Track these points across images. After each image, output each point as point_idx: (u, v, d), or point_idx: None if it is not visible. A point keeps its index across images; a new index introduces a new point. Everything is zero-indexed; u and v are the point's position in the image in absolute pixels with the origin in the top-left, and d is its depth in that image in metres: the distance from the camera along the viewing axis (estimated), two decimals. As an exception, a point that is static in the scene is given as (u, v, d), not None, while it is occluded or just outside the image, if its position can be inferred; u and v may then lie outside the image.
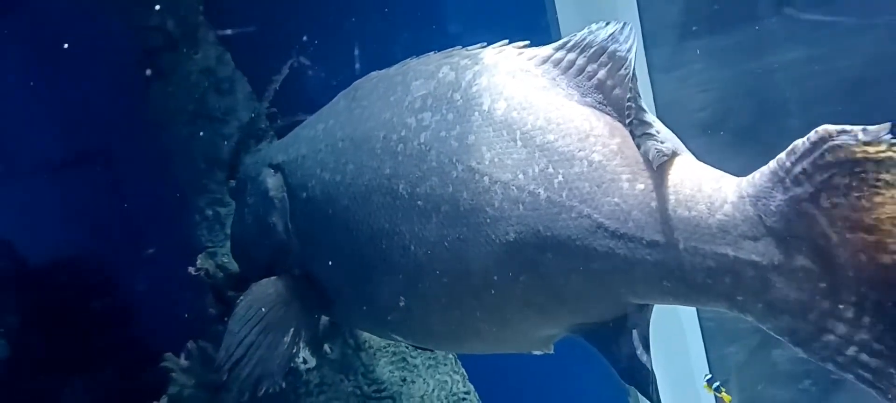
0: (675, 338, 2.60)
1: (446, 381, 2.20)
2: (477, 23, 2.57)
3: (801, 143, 1.04)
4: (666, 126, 1.25)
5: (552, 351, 1.41)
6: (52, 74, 2.48)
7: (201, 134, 2.42)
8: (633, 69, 1.19)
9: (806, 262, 1.06)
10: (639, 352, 1.28)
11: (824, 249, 1.04)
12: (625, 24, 1.21)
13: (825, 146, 1.01)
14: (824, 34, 2.62)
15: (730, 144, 2.74)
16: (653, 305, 1.28)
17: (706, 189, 1.13)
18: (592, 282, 1.22)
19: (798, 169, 1.04)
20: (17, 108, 2.46)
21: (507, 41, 1.35)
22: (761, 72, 2.72)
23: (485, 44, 1.37)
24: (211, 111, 2.42)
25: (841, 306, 1.05)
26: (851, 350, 1.05)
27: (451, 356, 2.27)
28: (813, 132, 1.03)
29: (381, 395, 2.11)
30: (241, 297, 1.62)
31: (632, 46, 1.20)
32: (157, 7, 2.38)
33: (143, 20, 2.39)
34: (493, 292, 1.29)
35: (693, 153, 1.23)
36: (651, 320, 1.33)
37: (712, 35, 2.72)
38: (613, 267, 1.18)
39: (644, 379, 1.28)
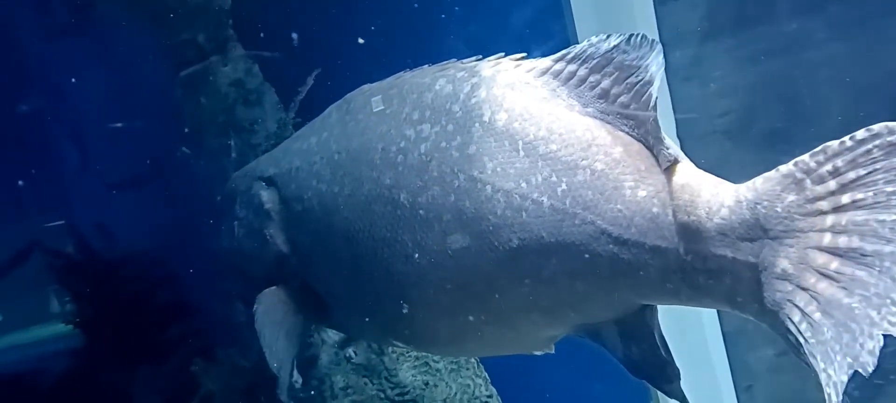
0: (697, 344, 2.61)
1: (469, 385, 2.24)
2: (494, 34, 2.60)
3: (835, 144, 1.08)
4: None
5: (553, 351, 1.44)
6: (99, 89, 2.58)
7: (231, 143, 2.49)
8: (652, 75, 1.23)
9: (787, 265, 1.10)
10: (650, 349, 1.33)
11: (807, 253, 1.08)
12: (633, 34, 1.25)
13: (877, 141, 1.05)
14: (863, 26, 2.60)
15: (755, 150, 2.73)
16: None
17: (705, 194, 1.18)
18: (597, 286, 1.26)
19: (827, 167, 1.07)
20: (80, 118, 2.56)
21: (503, 54, 1.38)
22: (791, 73, 2.70)
23: (480, 57, 1.40)
24: (239, 121, 2.49)
25: (795, 309, 1.09)
26: (803, 351, 1.08)
27: (473, 360, 2.30)
28: (862, 131, 1.06)
29: (404, 399, 2.15)
30: (255, 309, 1.62)
31: (645, 54, 1.23)
32: (189, 21, 2.46)
33: (176, 34, 2.48)
34: (497, 297, 1.33)
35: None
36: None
37: (734, 38, 2.71)
38: (618, 271, 1.23)
39: (656, 374, 1.33)
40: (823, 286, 1.07)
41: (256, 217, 1.68)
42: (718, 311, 2.58)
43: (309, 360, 2.11)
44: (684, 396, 1.34)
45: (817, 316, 1.06)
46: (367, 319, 1.57)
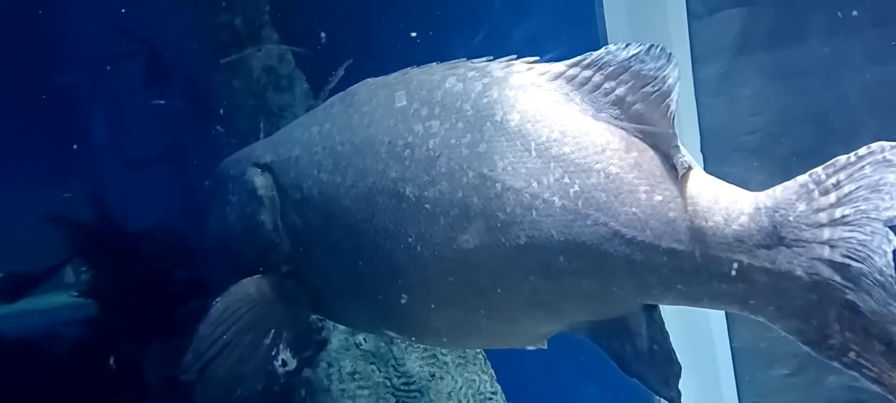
0: (705, 358, 2.60)
1: (474, 380, 2.27)
2: (526, 46, 2.60)
3: (843, 158, 1.13)
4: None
5: (546, 347, 1.46)
6: (131, 70, 2.63)
7: (260, 128, 2.53)
8: (669, 87, 1.25)
9: (801, 273, 1.14)
10: (648, 348, 1.37)
11: (815, 264, 1.13)
12: (653, 45, 1.27)
13: (869, 159, 1.10)
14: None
15: (780, 170, 2.70)
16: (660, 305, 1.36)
17: (722, 201, 1.21)
18: (605, 285, 1.29)
19: (832, 181, 1.12)
20: (109, 101, 2.62)
21: (515, 56, 1.39)
22: (823, 95, 2.69)
23: (491, 58, 1.41)
24: (270, 106, 2.53)
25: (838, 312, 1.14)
26: (852, 354, 1.13)
27: (480, 355, 2.33)
28: (864, 147, 1.12)
29: (409, 388, 2.18)
30: (217, 299, 1.60)
31: (662, 66, 1.25)
32: (227, 5, 2.52)
33: (213, 17, 2.54)
34: (499, 291, 1.35)
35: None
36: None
37: (767, 56, 2.70)
38: (629, 272, 1.25)
39: (648, 373, 1.36)
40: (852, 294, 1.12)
41: (250, 202, 1.66)
42: (729, 327, 2.58)
43: (318, 344, 2.15)
44: (679, 395, 1.37)
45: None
46: (363, 308, 1.57)
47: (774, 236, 1.16)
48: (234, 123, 2.55)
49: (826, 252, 1.12)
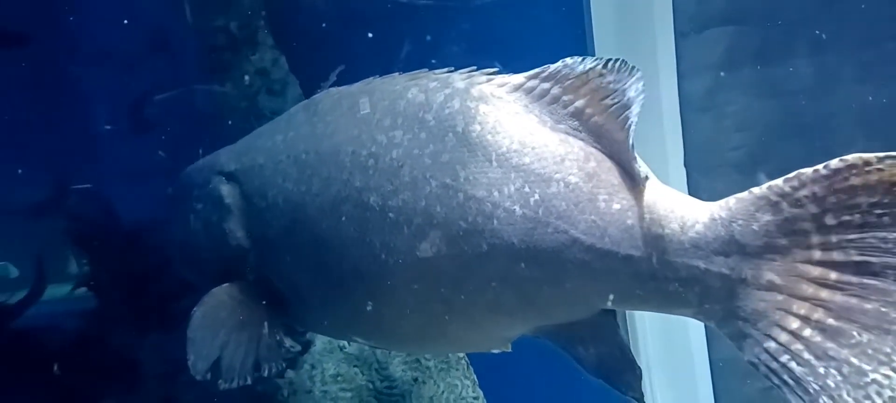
0: (684, 374, 2.62)
1: (456, 385, 2.30)
2: (516, 59, 2.63)
3: (809, 171, 1.16)
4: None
5: (510, 350, 1.49)
6: (126, 69, 2.67)
7: (250, 130, 2.57)
8: (630, 100, 1.28)
9: (773, 277, 1.18)
10: (609, 350, 1.40)
11: (797, 267, 1.16)
12: (611, 59, 1.30)
13: (855, 171, 1.12)
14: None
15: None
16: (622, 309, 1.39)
17: (678, 210, 1.26)
18: (565, 290, 1.33)
19: (804, 193, 1.15)
20: (106, 100, 2.66)
21: (474, 67, 1.42)
22: (811, 113, 2.71)
23: (452, 68, 1.44)
24: (261, 110, 2.57)
25: (790, 316, 1.17)
26: (784, 358, 1.16)
27: (463, 361, 2.36)
28: (836, 160, 1.14)
29: (391, 392, 2.21)
30: (195, 308, 1.60)
31: (623, 78, 1.28)
32: (223, 8, 2.56)
33: (210, 21, 2.58)
34: (462, 298, 1.38)
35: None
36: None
37: (754, 74, 2.73)
38: (588, 277, 1.29)
39: (614, 375, 1.40)
40: (827, 294, 1.16)
41: (216, 211, 1.68)
42: (708, 340, 2.61)
43: (302, 345, 2.19)
44: (642, 396, 1.41)
45: (831, 321, 1.15)
46: (330, 315, 1.59)
47: (732, 244, 1.20)
48: (226, 125, 2.59)
49: (816, 255, 1.15)
